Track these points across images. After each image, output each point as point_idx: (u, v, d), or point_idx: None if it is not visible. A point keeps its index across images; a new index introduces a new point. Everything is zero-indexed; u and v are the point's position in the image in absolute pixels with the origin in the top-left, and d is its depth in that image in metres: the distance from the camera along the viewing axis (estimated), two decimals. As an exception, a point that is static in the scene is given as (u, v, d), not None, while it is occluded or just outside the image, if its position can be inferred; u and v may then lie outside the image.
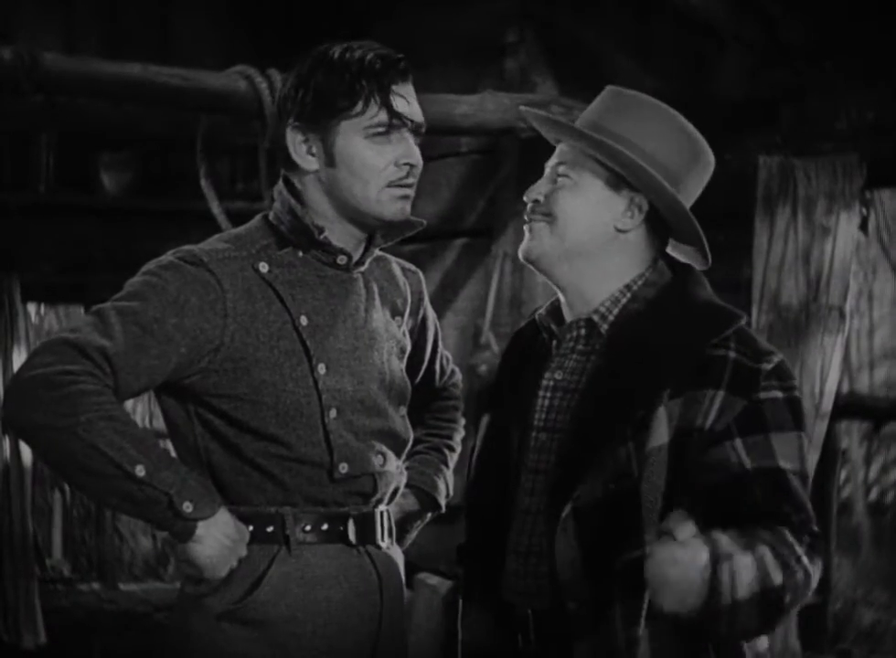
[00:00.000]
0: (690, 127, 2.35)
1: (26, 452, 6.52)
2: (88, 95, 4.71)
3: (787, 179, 4.58)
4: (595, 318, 2.30)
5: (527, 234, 2.35)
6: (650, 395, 2.17)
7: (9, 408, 2.29)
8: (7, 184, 6.38)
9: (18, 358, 6.54)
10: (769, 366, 2.19)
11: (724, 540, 2.02)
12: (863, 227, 4.66)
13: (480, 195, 5.61)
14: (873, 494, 6.89)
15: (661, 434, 2.16)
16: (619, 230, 2.30)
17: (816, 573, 2.12)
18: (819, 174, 4.53)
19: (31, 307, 7.90)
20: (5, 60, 4.19)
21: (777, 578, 2.05)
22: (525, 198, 2.36)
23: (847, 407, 5.10)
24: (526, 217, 2.36)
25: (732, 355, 2.18)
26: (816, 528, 2.14)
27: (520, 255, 2.36)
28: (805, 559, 2.09)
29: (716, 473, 2.15)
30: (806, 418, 4.39)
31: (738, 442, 2.15)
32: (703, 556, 1.98)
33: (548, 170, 2.37)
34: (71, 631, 6.87)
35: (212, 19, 6.25)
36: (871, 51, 4.55)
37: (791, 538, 2.09)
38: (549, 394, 2.32)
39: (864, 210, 4.63)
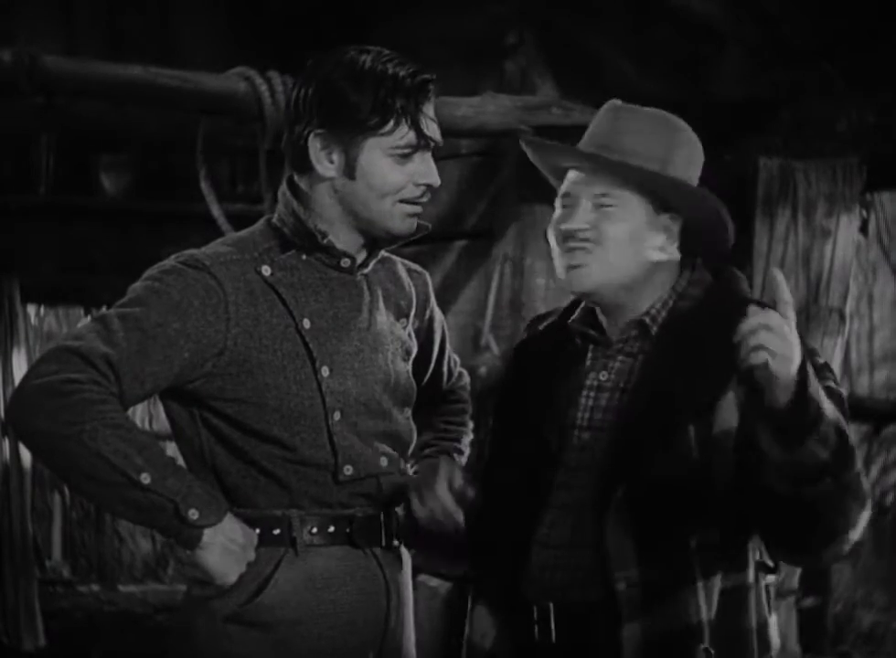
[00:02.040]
0: (673, 119, 2.37)
1: (26, 454, 6.52)
2: (88, 97, 4.70)
3: (787, 181, 4.59)
4: (647, 320, 2.34)
5: (567, 263, 2.33)
6: (719, 380, 2.20)
7: (14, 417, 2.30)
8: (7, 185, 6.38)
9: (18, 360, 6.54)
10: (822, 360, 2.26)
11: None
12: (863, 229, 4.67)
13: (480, 197, 5.61)
14: (873, 496, 6.89)
15: (729, 418, 2.20)
16: (663, 249, 2.34)
17: (868, 499, 2.16)
18: (819, 176, 4.53)
19: (31, 309, 7.90)
20: (6, 62, 4.19)
21: (846, 427, 2.07)
22: (565, 227, 2.34)
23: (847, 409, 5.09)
24: (565, 245, 2.34)
25: None
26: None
27: (568, 287, 2.35)
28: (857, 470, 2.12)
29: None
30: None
31: None
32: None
33: (580, 194, 2.34)
34: (71, 632, 6.88)
35: (212, 21, 6.25)
36: (871, 53, 4.55)
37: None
38: (593, 394, 2.34)
39: (864, 212, 4.64)
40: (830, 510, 2.12)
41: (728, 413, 2.21)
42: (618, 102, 2.40)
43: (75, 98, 4.84)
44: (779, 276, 2.03)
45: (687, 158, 2.36)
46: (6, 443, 6.53)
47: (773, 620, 2.34)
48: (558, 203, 2.40)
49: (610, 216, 2.32)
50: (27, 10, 5.90)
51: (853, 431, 6.88)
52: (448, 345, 2.75)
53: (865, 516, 2.16)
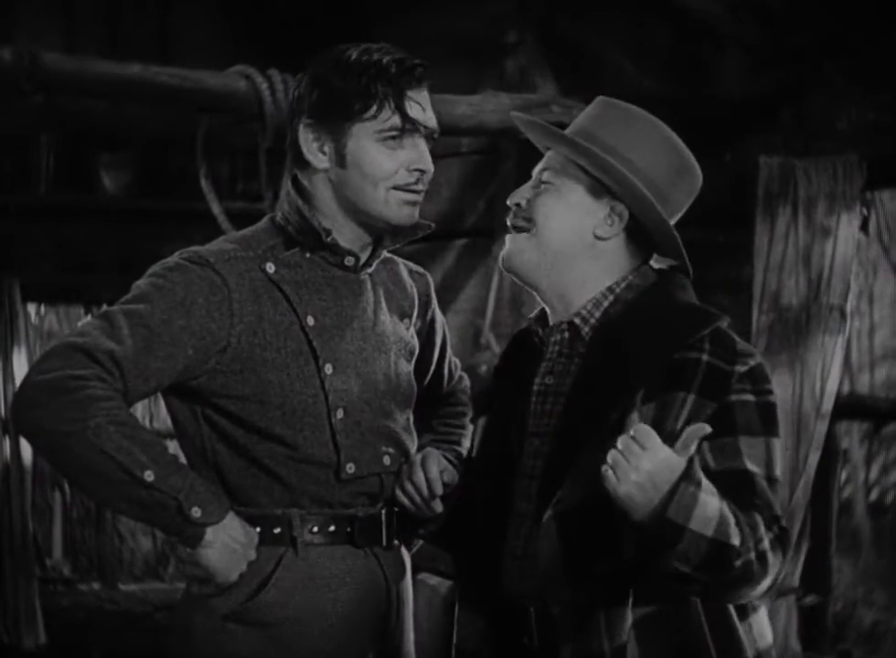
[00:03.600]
0: (679, 142, 2.35)
1: (27, 452, 6.53)
2: (88, 95, 4.70)
3: (788, 180, 4.58)
4: (577, 321, 2.31)
5: (507, 241, 2.36)
6: (623, 398, 2.17)
7: (18, 413, 2.29)
8: (7, 184, 6.38)
9: (18, 359, 6.54)
10: (743, 369, 2.18)
11: (702, 476, 2.04)
12: (864, 227, 4.66)
13: (480, 195, 5.61)
14: (874, 495, 6.89)
15: None
16: (598, 237, 2.31)
17: (774, 565, 2.11)
18: (820, 174, 4.52)
19: (31, 307, 7.90)
20: (5, 60, 4.18)
21: (734, 539, 2.05)
22: (508, 202, 2.37)
23: (847, 407, 5.10)
24: (508, 222, 2.37)
25: (705, 357, 2.18)
26: (784, 525, 2.14)
27: (500, 263, 2.37)
28: (765, 546, 2.09)
29: None
30: (807, 418, 4.43)
31: (704, 445, 2.14)
32: (679, 463, 2.01)
33: (533, 175, 2.38)
34: (71, 631, 6.87)
35: (212, 19, 6.25)
36: (871, 51, 4.54)
37: (759, 521, 2.09)
38: (539, 398, 2.32)
39: (864, 210, 4.62)
40: (710, 595, 2.13)
41: None
42: (607, 99, 2.39)
43: (75, 96, 4.84)
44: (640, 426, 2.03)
45: (652, 158, 2.32)
46: (7, 441, 6.53)
47: (752, 620, 2.27)
48: None
49: (544, 192, 2.32)
50: (27, 8, 5.90)
51: (854, 430, 6.81)
52: (449, 348, 2.75)
53: (765, 583, 2.11)
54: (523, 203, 2.34)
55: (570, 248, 2.31)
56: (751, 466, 2.15)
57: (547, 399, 2.31)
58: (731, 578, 2.07)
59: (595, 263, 2.32)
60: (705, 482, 2.05)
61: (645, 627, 2.16)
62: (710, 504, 2.03)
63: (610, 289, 2.32)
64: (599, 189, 2.31)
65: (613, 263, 2.33)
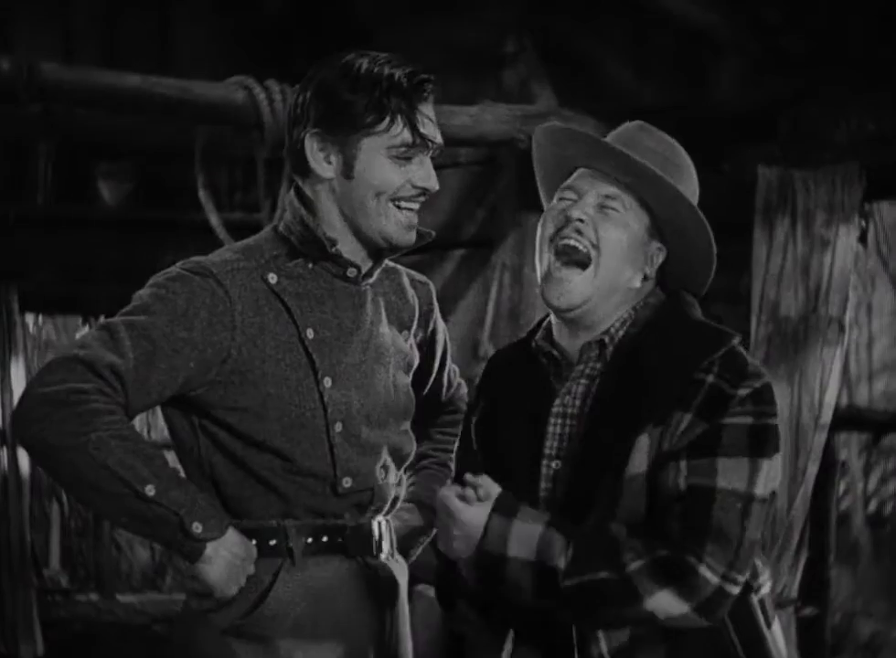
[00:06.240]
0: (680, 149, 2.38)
1: (24, 463, 6.51)
2: (86, 105, 4.70)
3: (786, 190, 4.58)
4: (606, 339, 2.29)
5: (559, 278, 2.29)
6: (637, 424, 2.17)
7: (20, 425, 2.29)
8: (5, 194, 6.37)
9: (16, 369, 6.53)
10: (745, 392, 2.16)
11: (520, 504, 2.17)
12: (862, 238, 4.66)
13: (479, 205, 5.60)
14: (872, 506, 6.90)
15: (640, 462, 2.15)
16: (645, 277, 2.31)
17: (650, 591, 2.09)
18: (818, 185, 4.52)
19: (29, 317, 7.89)
20: (4, 70, 4.18)
21: (559, 562, 2.11)
22: (561, 215, 2.29)
23: (846, 418, 5.10)
24: (559, 236, 2.29)
25: (711, 379, 2.17)
26: (691, 558, 2.09)
27: (555, 303, 2.29)
28: (630, 570, 2.10)
29: (657, 495, 2.15)
30: (805, 429, 4.43)
31: (682, 464, 2.14)
32: (482, 511, 2.17)
33: (583, 190, 2.31)
34: (69, 642, 6.85)
35: (211, 29, 6.25)
36: (871, 61, 4.54)
37: (631, 547, 2.11)
38: (559, 421, 2.29)
39: (863, 222, 4.62)
40: (579, 614, 2.18)
41: (639, 456, 2.16)
42: (641, 123, 2.38)
43: (73, 106, 4.84)
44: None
45: (692, 192, 2.33)
46: (4, 452, 6.51)
47: (774, 630, 2.28)
48: (558, 196, 2.34)
49: (611, 218, 2.27)
50: (25, 18, 5.90)
51: (852, 441, 6.82)
52: (449, 356, 2.75)
53: (641, 607, 2.10)
54: (586, 219, 2.27)
55: (624, 285, 2.29)
56: (723, 484, 2.12)
57: (566, 421, 2.28)
58: (576, 598, 2.12)
59: (631, 295, 2.31)
60: (524, 509, 2.16)
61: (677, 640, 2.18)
62: (530, 529, 2.13)
63: (634, 308, 2.32)
64: (653, 230, 2.30)
65: (643, 292, 2.33)
